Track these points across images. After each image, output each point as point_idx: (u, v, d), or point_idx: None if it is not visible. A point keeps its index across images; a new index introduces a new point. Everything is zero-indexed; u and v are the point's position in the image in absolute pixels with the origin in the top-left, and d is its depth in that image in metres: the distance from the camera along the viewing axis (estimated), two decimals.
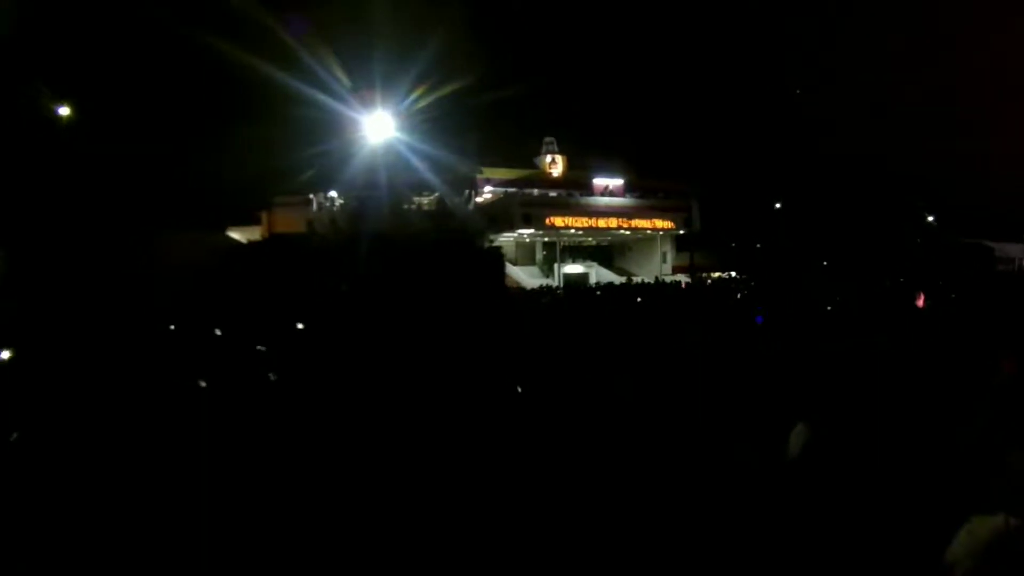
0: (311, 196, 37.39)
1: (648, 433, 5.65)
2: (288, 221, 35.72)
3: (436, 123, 34.74)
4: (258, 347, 10.80)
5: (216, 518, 4.55)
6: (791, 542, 3.43)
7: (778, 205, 54.80)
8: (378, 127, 33.24)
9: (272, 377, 8.79)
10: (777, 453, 3.77)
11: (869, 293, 18.84)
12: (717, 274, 47.89)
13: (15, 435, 5.86)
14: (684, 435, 5.50)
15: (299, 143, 31.11)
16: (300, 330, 13.69)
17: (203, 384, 8.33)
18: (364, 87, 32.42)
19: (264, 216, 37.96)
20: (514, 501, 4.79)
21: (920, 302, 12.28)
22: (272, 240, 33.35)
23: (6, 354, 9.62)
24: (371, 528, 4.62)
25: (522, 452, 5.52)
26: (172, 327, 14.70)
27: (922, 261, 39.87)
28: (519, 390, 6.95)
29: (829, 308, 13.72)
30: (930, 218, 57.86)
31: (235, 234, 34.44)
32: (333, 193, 36.65)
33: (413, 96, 33.73)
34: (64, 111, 21.10)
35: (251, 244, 32.81)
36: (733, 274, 47.62)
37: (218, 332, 13.48)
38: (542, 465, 5.23)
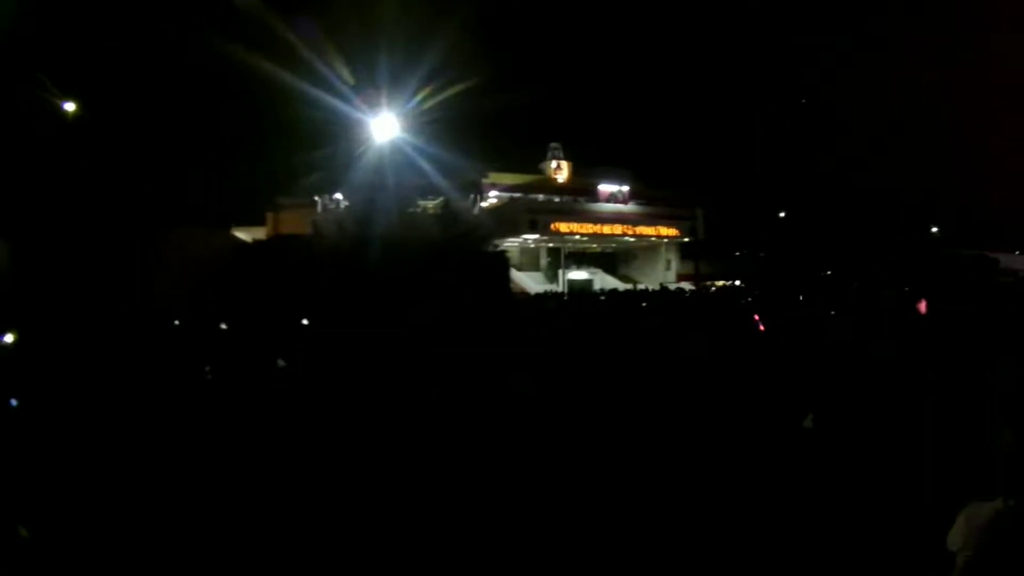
0: (316, 198, 37.75)
1: (654, 431, 5.81)
2: (293, 222, 35.97)
3: (442, 127, 34.95)
4: (262, 344, 11.00)
5: (217, 510, 4.73)
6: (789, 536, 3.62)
7: (782, 214, 54.98)
8: (384, 129, 33.45)
9: (279, 371, 8.96)
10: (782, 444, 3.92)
11: (872, 300, 18.98)
12: (721, 282, 47.99)
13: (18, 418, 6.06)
14: (688, 432, 5.68)
15: (305, 144, 31.37)
16: (303, 329, 13.90)
17: (208, 376, 8.55)
18: (370, 89, 32.65)
19: (270, 217, 38.30)
20: (510, 498, 4.94)
21: (922, 308, 12.42)
22: (277, 241, 33.62)
23: (9, 337, 9.86)
24: (369, 524, 4.74)
25: (522, 451, 5.64)
26: (177, 322, 14.96)
27: (924, 271, 39.98)
28: (523, 390, 7.06)
29: (832, 313, 13.86)
30: (933, 229, 57.98)
31: (241, 234, 34.80)
32: (338, 195, 36.90)
33: (419, 99, 33.93)
34: (70, 107, 21.31)
35: (256, 244, 33.06)
36: (738, 283, 47.81)
37: (223, 327, 13.72)
38: (541, 464, 5.37)
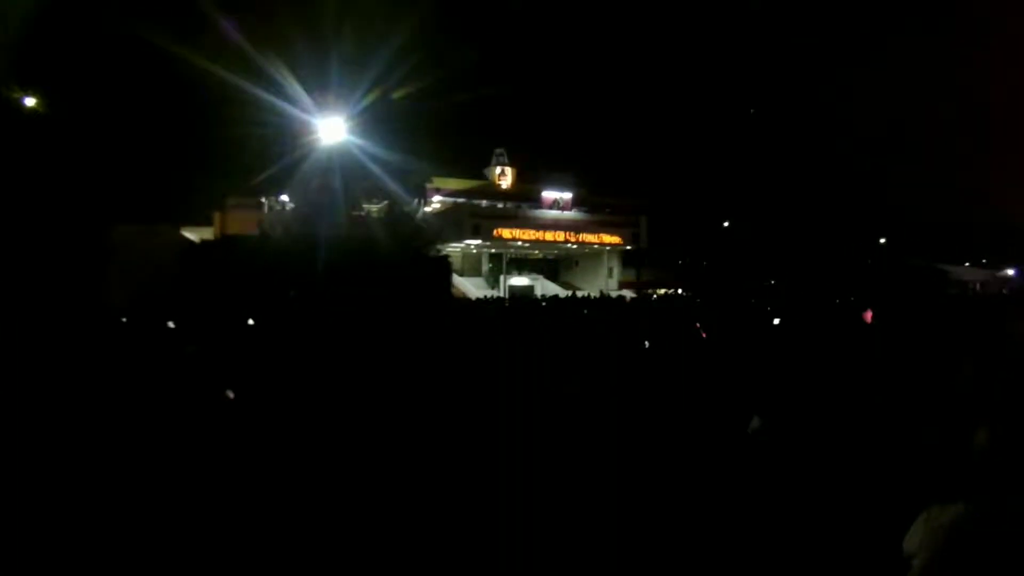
0: (263, 199, 37.40)
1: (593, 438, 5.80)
2: (240, 223, 35.76)
3: (388, 130, 34.96)
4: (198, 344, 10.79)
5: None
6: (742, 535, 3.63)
7: (726, 224, 56.01)
8: (331, 131, 33.31)
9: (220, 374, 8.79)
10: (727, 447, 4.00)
11: (817, 309, 19.18)
12: (663, 290, 48.62)
13: None
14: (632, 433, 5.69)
15: (252, 145, 30.97)
16: (248, 329, 13.69)
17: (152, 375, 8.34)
18: (318, 90, 32.45)
19: (217, 217, 37.95)
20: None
21: (868, 317, 12.28)
22: (223, 241, 33.25)
23: None
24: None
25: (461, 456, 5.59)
26: (124, 319, 14.61)
27: (871, 281, 41.01)
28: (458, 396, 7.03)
29: (777, 321, 13.90)
30: (882, 240, 59.77)
31: (189, 234, 34.22)
32: (284, 196, 36.58)
33: (366, 101, 33.84)
34: (30, 101, 20.88)
35: (203, 243, 32.59)
36: (680, 291, 48.48)
37: (171, 325, 13.44)
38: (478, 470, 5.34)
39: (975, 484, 2.41)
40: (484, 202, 48.59)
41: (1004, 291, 44.29)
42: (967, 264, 60.77)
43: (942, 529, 2.28)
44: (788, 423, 3.61)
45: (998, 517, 2.21)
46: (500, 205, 49.28)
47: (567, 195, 51.32)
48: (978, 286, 52.68)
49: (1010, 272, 60.48)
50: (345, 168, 33.25)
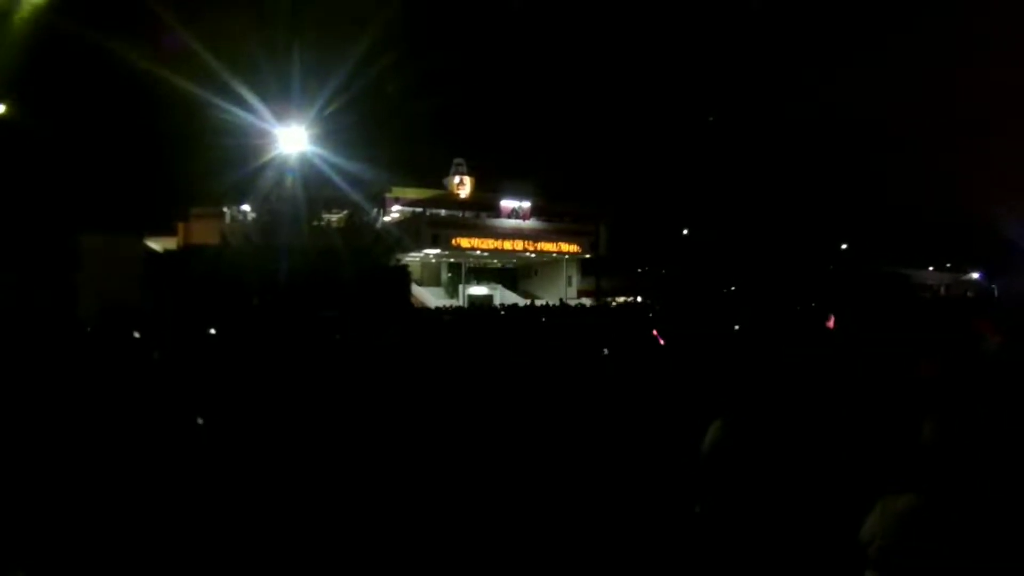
0: (225, 208, 37.79)
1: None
2: (204, 233, 36.13)
3: (349, 140, 35.57)
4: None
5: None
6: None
7: (686, 231, 56.88)
8: (291, 141, 33.72)
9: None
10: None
11: (778, 315, 19.47)
12: (622, 298, 49.36)
13: None
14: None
15: (213, 154, 31.38)
16: (210, 338, 14.10)
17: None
18: (279, 100, 32.89)
19: (181, 227, 38.24)
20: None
21: (830, 324, 12.53)
22: (185, 251, 33.60)
23: None
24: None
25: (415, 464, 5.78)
26: (90, 329, 15.03)
27: (834, 287, 41.47)
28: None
29: (736, 328, 13.97)
30: (843, 246, 60.73)
31: (153, 244, 34.43)
32: (246, 206, 36.97)
33: (326, 111, 34.32)
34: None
35: (167, 253, 32.90)
36: (639, 299, 49.22)
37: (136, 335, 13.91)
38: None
39: (924, 476, 2.53)
40: (443, 211, 49.34)
41: (968, 294, 45.00)
42: (931, 268, 61.91)
43: (897, 516, 2.46)
44: (748, 427, 3.53)
45: (946, 505, 2.38)
46: (459, 214, 50.09)
47: (526, 204, 52.29)
48: (942, 289, 53.41)
49: (975, 275, 61.50)
50: (305, 178, 33.73)
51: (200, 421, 6.61)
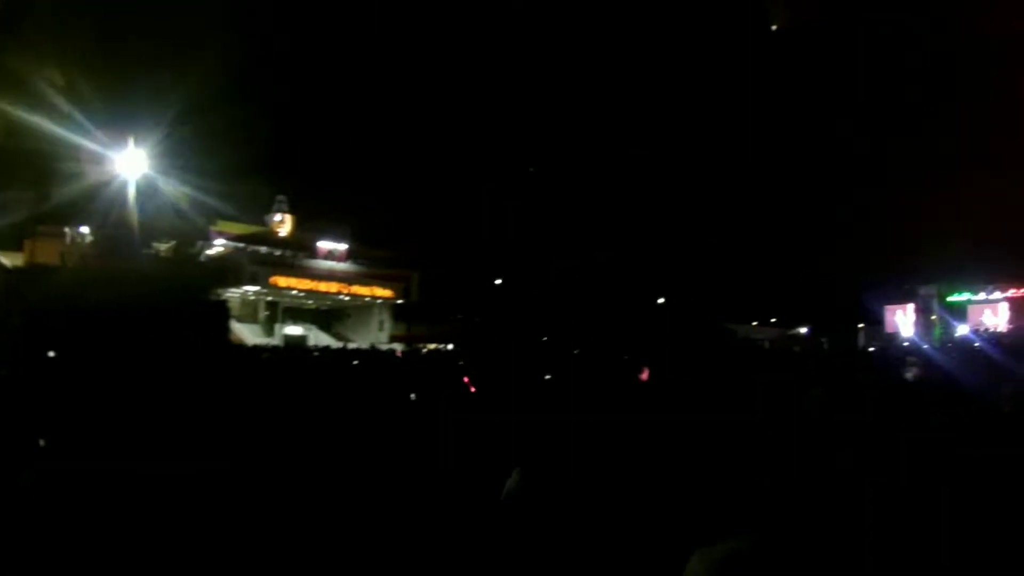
0: (67, 229, 35.80)
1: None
2: (48, 252, 33.97)
3: (182, 168, 34.98)
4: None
5: None
6: None
7: (499, 281, 58.61)
8: (128, 167, 32.77)
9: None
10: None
11: (590, 367, 19.75)
12: (433, 345, 50.22)
13: None
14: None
15: (55, 175, 30.04)
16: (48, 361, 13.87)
17: None
18: (118, 121, 32.01)
19: (27, 244, 35.76)
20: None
21: (644, 376, 12.40)
22: (26, 269, 31.74)
23: None
24: None
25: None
26: None
27: (650, 340, 42.81)
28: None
29: (548, 378, 13.99)
30: (660, 300, 63.03)
31: (4, 259, 32.12)
32: (84, 228, 35.28)
33: (160, 139, 33.75)
34: None
35: (13, 270, 30.87)
36: (451, 346, 50.11)
37: None
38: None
39: (742, 522, 2.59)
40: (263, 248, 48.63)
41: (796, 348, 45.65)
42: (754, 323, 63.96)
43: (716, 564, 2.32)
44: (551, 478, 3.46)
45: (764, 551, 2.33)
46: (278, 253, 49.59)
47: (342, 246, 52.46)
48: (767, 344, 55.97)
49: (802, 330, 63.51)
50: (139, 204, 32.83)
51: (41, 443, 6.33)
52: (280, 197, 50.37)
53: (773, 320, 64.80)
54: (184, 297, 31.36)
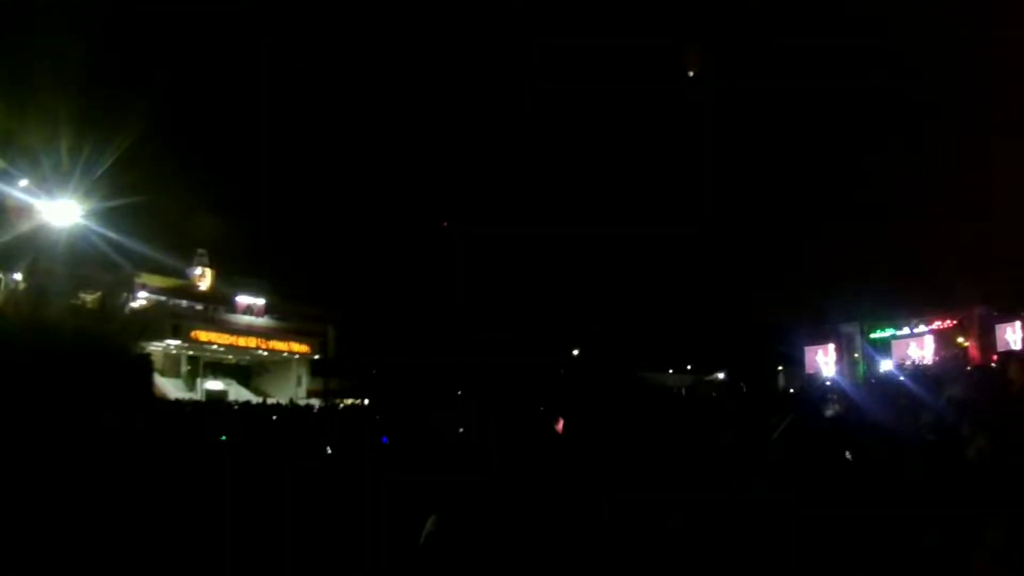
0: (1, 275, 35.59)
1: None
2: None
3: (107, 220, 35.31)
4: None
5: None
6: None
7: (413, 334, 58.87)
8: (58, 214, 33.10)
9: None
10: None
11: (503, 418, 21.44)
12: (350, 400, 50.48)
13: None
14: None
15: None
16: None
17: None
18: (48, 169, 32.37)
19: None
20: None
21: (559, 427, 13.89)
22: None
23: None
24: None
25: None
26: None
27: (564, 391, 42.72)
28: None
29: (461, 431, 13.71)
30: (575, 351, 63.20)
31: None
32: (17, 275, 35.15)
33: (88, 188, 34.08)
34: None
35: None
36: (367, 401, 50.35)
37: None
38: None
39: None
40: (184, 302, 48.93)
41: (712, 394, 46.71)
42: (671, 371, 62.78)
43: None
44: (461, 522, 3.58)
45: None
46: (198, 307, 49.92)
47: (260, 301, 53.11)
48: (683, 391, 55.28)
49: (720, 375, 61.18)
50: (67, 253, 33.10)
51: None
52: (200, 251, 50.49)
53: (688, 367, 64.23)
54: (109, 350, 31.63)
